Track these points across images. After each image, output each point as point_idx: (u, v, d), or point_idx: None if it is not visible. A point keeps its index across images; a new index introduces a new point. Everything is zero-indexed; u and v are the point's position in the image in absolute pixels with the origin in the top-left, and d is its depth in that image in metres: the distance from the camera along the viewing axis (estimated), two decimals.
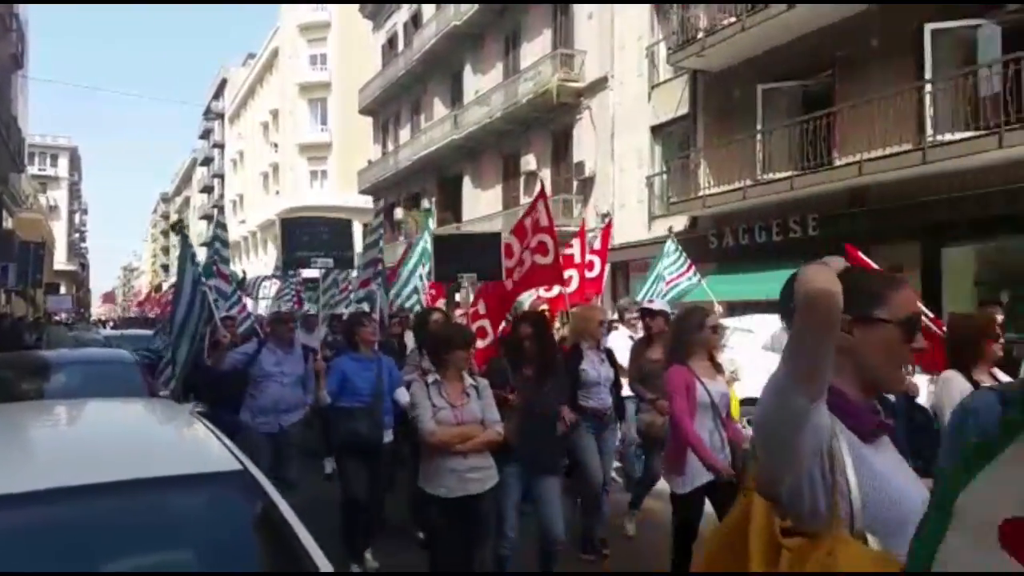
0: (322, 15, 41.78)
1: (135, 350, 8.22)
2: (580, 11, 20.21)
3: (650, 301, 6.04)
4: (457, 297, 10.70)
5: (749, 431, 4.31)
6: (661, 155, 17.73)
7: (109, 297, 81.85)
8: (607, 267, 9.47)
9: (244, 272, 13.20)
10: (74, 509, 2.23)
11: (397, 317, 8.48)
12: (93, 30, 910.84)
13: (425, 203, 28.44)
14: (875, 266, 5.09)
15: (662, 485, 5.02)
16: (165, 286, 45.12)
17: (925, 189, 11.13)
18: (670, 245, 9.54)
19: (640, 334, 6.56)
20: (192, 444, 3.02)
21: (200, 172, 72.36)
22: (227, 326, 6.94)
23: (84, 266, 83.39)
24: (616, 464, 6.91)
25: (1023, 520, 0.94)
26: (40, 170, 61.11)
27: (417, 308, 8.61)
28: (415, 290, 9.01)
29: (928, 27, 11.20)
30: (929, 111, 11.13)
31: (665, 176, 16.98)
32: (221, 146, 63.11)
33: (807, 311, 1.40)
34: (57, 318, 31.76)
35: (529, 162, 22.12)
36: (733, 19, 13.81)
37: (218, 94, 64.75)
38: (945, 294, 11.29)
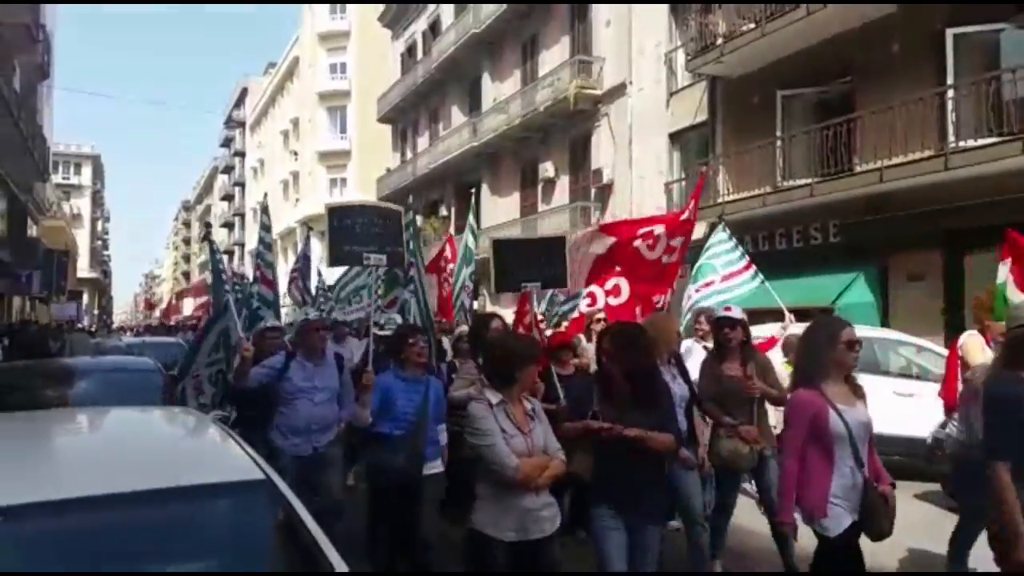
0: (341, 24, 42.17)
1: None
2: (598, 18, 20.22)
3: (727, 308, 5.45)
4: (475, 304, 10.64)
5: None
6: (680, 162, 17.68)
7: (149, 304, 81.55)
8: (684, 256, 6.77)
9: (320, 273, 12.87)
10: (97, 518, 2.25)
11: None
12: (116, 41, 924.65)
13: (443, 210, 28.54)
14: None
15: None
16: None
17: (947, 196, 11.01)
18: (721, 234, 7.69)
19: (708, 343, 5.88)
20: (215, 453, 3.03)
21: (221, 180, 73.19)
22: (271, 337, 6.18)
23: (106, 273, 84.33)
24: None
25: None
26: (64, 178, 61.83)
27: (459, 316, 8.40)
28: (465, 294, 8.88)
29: (950, 31, 11.13)
30: (951, 117, 11.03)
31: (684, 183, 16.91)
32: (242, 154, 63.91)
33: None
34: (80, 325, 32.16)
35: (547, 169, 22.15)
36: (752, 25, 13.76)
37: (239, 103, 65.62)
38: (967, 303, 11.14)
